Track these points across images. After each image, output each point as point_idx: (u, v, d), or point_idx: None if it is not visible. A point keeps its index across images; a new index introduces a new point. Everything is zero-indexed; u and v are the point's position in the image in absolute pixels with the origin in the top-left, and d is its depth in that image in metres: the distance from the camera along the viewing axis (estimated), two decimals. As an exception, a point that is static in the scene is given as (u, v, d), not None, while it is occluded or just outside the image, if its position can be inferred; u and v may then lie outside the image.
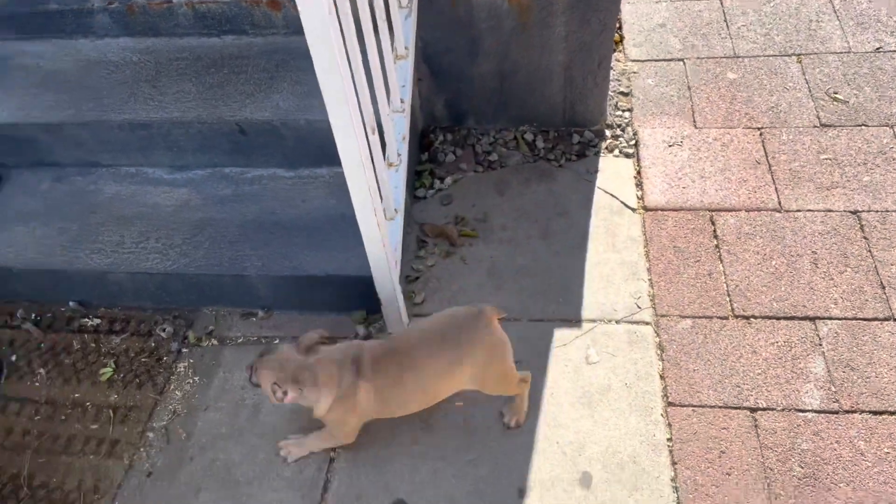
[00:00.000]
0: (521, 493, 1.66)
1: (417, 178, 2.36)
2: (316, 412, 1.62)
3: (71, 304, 2.09)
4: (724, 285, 1.98)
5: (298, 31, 2.25)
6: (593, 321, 1.95)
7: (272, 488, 1.71)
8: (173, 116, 2.10)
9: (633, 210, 2.20)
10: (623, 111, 2.51)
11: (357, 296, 2.00)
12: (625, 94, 2.58)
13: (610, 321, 1.95)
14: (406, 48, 1.97)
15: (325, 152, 2.15)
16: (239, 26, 2.28)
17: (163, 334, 2.01)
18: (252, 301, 2.05)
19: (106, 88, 2.19)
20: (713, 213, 2.16)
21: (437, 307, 2.02)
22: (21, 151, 2.22)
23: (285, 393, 1.55)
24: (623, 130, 2.45)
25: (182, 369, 1.94)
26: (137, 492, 1.73)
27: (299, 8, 1.23)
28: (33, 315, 2.07)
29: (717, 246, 2.08)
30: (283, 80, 2.17)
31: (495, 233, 2.19)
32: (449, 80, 2.36)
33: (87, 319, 2.05)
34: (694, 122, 2.43)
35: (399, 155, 1.93)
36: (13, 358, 1.98)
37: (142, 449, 1.80)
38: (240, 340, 2.00)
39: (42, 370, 1.95)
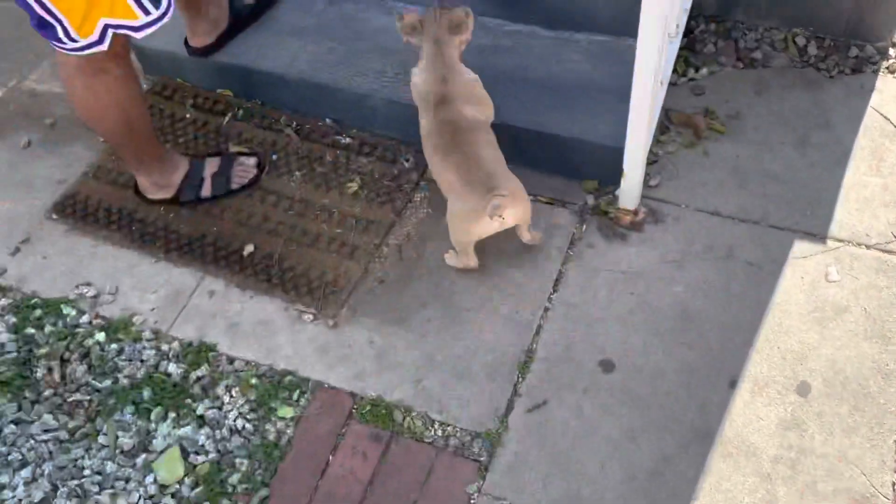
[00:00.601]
0: (732, 384, 1.66)
1: (671, 64, 2.28)
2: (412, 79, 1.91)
3: (328, 120, 2.26)
4: None
5: None
6: (840, 241, 1.85)
7: (488, 320, 1.82)
8: (451, -45, 2.14)
9: (909, 137, 2.02)
10: (916, 31, 2.26)
11: (593, 163, 2.01)
12: (922, 13, 2.30)
13: (860, 245, 1.84)
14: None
15: (589, 16, 2.12)
16: None
17: (406, 164, 2.13)
18: (490, 150, 2.12)
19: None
20: None
21: (672, 194, 2.00)
22: (304, -30, 2.36)
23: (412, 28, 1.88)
24: (912, 52, 2.21)
25: (418, 200, 2.07)
26: (370, 294, 1.90)
27: None
28: (294, 123, 2.26)
29: None
30: (563, -65, 2.13)
31: (746, 133, 2.10)
32: (729, -36, 2.22)
33: (339, 137, 2.21)
34: None
35: (677, 27, 1.86)
36: (274, 157, 2.19)
37: (376, 259, 1.96)
38: (473, 184, 2.09)
39: (298, 173, 2.15)
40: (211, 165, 2.10)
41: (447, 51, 1.86)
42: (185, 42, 2.26)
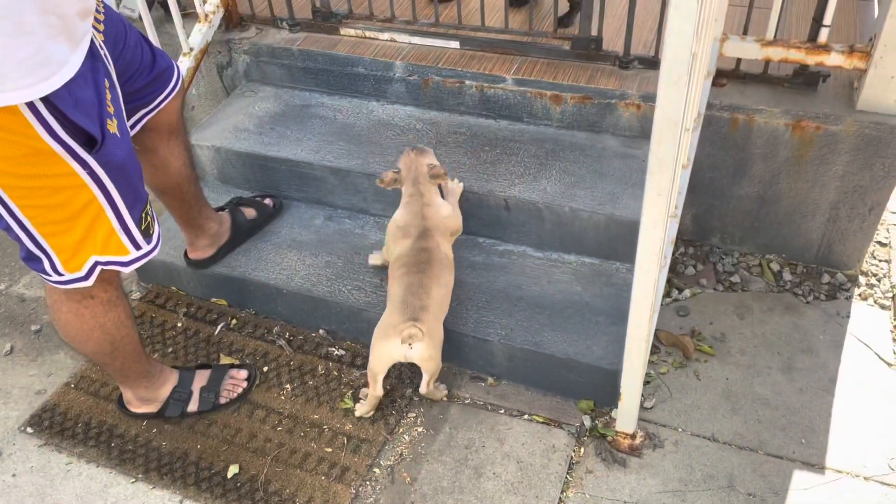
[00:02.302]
0: None
1: (655, 284, 2.37)
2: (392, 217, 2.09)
3: (321, 331, 2.27)
4: None
5: (571, 125, 2.42)
6: (839, 472, 1.84)
7: (487, 556, 1.72)
8: (448, 183, 2.28)
9: (890, 365, 2.08)
10: (880, 261, 2.42)
11: (589, 384, 2.02)
12: (883, 245, 2.48)
13: (858, 476, 1.82)
14: (689, 159, 2.03)
15: (577, 240, 2.24)
16: (516, 113, 2.46)
17: (398, 379, 2.11)
18: (485, 366, 2.13)
19: (391, 147, 2.43)
20: None
21: (668, 417, 1.99)
22: (307, 187, 2.48)
23: (394, 181, 2.06)
24: (879, 280, 2.35)
25: (412, 417, 2.03)
26: (360, 523, 1.80)
27: (658, 114, 1.32)
28: (287, 334, 2.26)
29: None
30: (551, 167, 2.30)
31: (733, 355, 2.15)
32: (704, 195, 2.40)
33: (333, 349, 2.21)
34: (964, 286, 2.29)
35: (665, 258, 1.96)
36: (265, 369, 2.16)
37: (368, 483, 1.88)
38: (467, 401, 2.07)
39: (288, 386, 2.11)
40: (200, 378, 2.06)
41: (425, 189, 2.04)
42: (185, 254, 2.30)
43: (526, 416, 2.02)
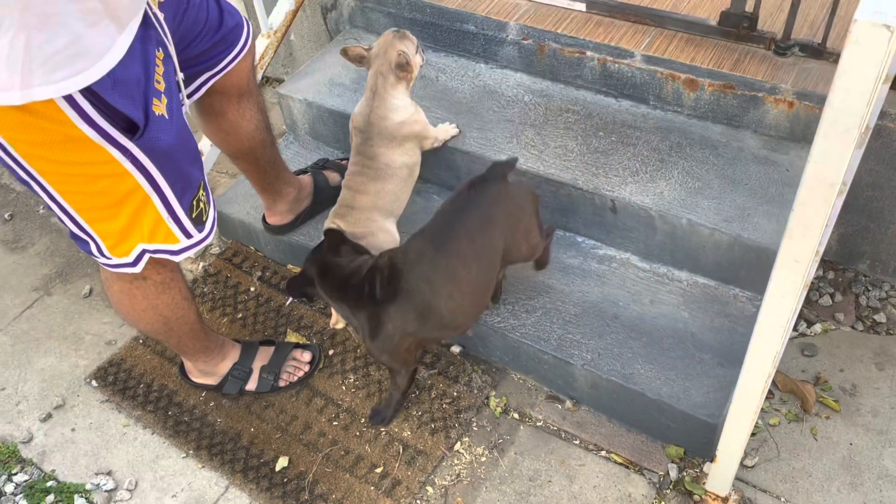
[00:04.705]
0: None
1: (779, 313, 2.03)
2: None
3: (393, 319, 2.11)
4: None
5: (705, 116, 2.06)
6: (977, 590, 1.51)
7: None
8: (549, 172, 2.01)
9: None
10: None
11: (681, 431, 1.76)
12: None
13: None
14: (845, 183, 1.66)
15: (692, 257, 1.93)
16: (641, 94, 2.12)
17: (467, 386, 1.93)
18: (564, 387, 1.90)
19: (493, 122, 2.16)
20: None
21: (771, 481, 1.71)
22: (397, 157, 2.28)
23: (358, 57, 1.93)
24: None
25: (475, 432, 1.86)
26: (403, 548, 1.67)
27: (809, 172, 1.00)
28: (358, 316, 2.12)
29: None
30: (674, 166, 1.97)
31: (862, 415, 1.81)
32: (857, 215, 2.00)
33: (403, 341, 2.05)
34: None
35: (799, 300, 1.63)
36: (331, 352, 2.04)
37: (418, 501, 1.74)
38: (539, 423, 1.87)
39: (352, 376, 1.98)
40: (262, 356, 1.97)
41: (383, 81, 1.88)
42: (263, 217, 2.18)
43: (603, 453, 1.80)
